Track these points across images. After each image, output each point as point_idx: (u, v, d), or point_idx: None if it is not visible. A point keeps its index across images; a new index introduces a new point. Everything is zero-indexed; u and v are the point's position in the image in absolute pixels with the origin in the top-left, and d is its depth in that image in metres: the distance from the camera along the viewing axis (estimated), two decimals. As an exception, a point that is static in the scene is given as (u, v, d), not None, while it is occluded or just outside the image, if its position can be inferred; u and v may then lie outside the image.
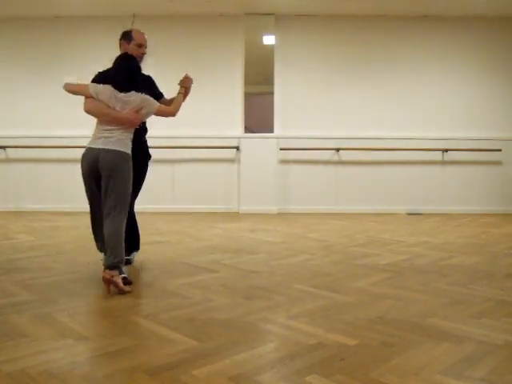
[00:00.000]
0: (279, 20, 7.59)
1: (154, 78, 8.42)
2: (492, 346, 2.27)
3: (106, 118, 3.30)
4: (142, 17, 7.74)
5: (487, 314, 2.75)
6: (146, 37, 3.74)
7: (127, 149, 3.29)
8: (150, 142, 8.45)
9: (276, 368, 2.04)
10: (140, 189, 3.82)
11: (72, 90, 3.52)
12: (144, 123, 3.77)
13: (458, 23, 7.79)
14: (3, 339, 2.32)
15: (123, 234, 3.22)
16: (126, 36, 3.70)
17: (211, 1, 7.10)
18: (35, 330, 2.45)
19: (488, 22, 7.74)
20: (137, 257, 3.96)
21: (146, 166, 3.93)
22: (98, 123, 3.37)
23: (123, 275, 3.17)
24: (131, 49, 3.64)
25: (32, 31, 7.83)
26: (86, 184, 3.33)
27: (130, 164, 3.29)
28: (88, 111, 3.37)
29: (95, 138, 3.33)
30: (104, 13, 7.62)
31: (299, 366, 2.05)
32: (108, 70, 3.54)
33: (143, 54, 3.70)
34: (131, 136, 3.34)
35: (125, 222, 3.24)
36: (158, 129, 7.70)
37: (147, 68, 8.68)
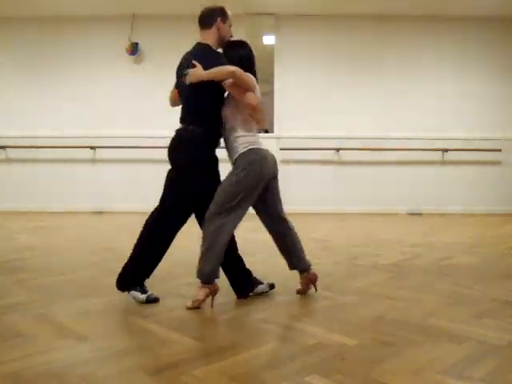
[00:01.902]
0: (279, 20, 7.59)
1: (154, 76, 8.43)
2: (492, 346, 2.27)
3: (262, 115, 2.94)
4: (142, 17, 7.74)
5: (488, 314, 2.74)
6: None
7: None
8: (150, 142, 8.48)
9: (276, 368, 2.04)
10: None
11: (243, 78, 2.79)
12: None
13: (457, 23, 7.79)
14: (2, 339, 2.32)
15: None
16: (224, 13, 3.07)
17: (211, 1, 7.09)
18: (35, 330, 2.45)
19: (488, 22, 7.74)
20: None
21: None
22: (246, 122, 2.94)
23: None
24: (226, 30, 3.04)
25: (32, 31, 7.82)
26: (258, 188, 2.94)
27: None
28: (257, 105, 2.85)
29: (257, 138, 2.97)
30: (104, 13, 7.62)
31: (299, 366, 2.05)
32: (220, 55, 2.98)
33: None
34: None
35: None
36: (158, 129, 7.73)
37: (147, 68, 8.71)
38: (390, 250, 4.62)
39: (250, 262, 4.06)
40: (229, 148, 3.02)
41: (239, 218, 2.94)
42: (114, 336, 2.38)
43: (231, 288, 3.10)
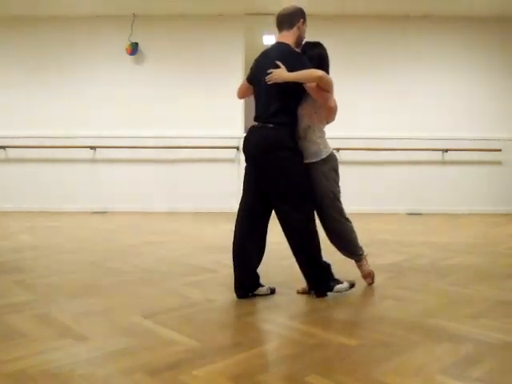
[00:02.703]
0: (279, 20, 7.58)
1: (154, 76, 8.46)
2: (492, 345, 2.27)
3: (335, 116, 3.15)
4: (142, 17, 7.74)
5: (487, 314, 2.74)
6: None
7: None
8: (150, 142, 8.47)
9: (276, 368, 2.04)
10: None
11: (328, 81, 2.94)
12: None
13: (458, 23, 7.79)
14: (3, 339, 2.32)
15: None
16: (304, 14, 3.12)
17: (211, 1, 7.09)
18: (35, 330, 2.45)
19: (488, 21, 7.73)
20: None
21: None
22: (321, 122, 3.12)
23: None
24: (304, 31, 3.13)
25: (32, 31, 7.83)
26: None
27: None
28: (335, 109, 3.10)
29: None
30: (104, 13, 7.62)
31: (299, 366, 2.05)
32: (302, 56, 3.06)
33: None
34: None
35: None
36: (158, 128, 7.73)
37: (147, 68, 8.68)
38: (389, 250, 4.62)
39: (249, 262, 4.07)
40: (304, 147, 3.09)
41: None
42: (114, 336, 2.38)
43: (234, 283, 3.07)
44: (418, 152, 7.73)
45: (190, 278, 3.54)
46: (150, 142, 7.62)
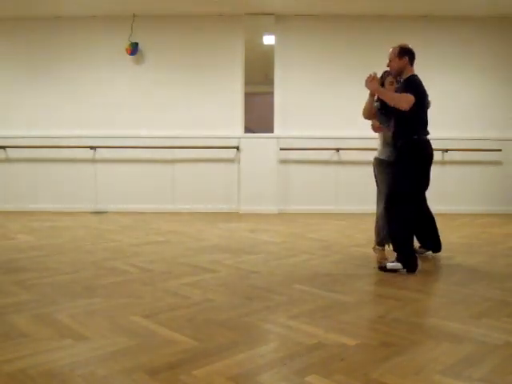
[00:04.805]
0: (279, 20, 7.58)
1: (154, 76, 8.50)
2: (492, 346, 2.27)
3: None
4: (142, 17, 7.74)
5: (487, 313, 2.75)
6: (390, 50, 4.17)
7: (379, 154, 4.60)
8: (150, 142, 8.45)
9: (276, 368, 2.04)
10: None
11: None
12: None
13: (458, 23, 7.78)
14: (3, 339, 2.32)
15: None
16: None
17: (211, 1, 7.09)
18: (35, 330, 2.45)
19: (488, 22, 7.73)
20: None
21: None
22: None
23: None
24: None
25: (32, 31, 7.82)
26: None
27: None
28: None
29: None
30: (104, 13, 7.62)
31: (299, 366, 2.05)
32: None
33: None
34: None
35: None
36: (158, 129, 7.74)
37: (147, 68, 8.67)
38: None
39: (250, 262, 4.08)
40: (389, 150, 4.39)
41: None
42: (114, 336, 2.38)
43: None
44: (418, 152, 7.72)
45: (190, 277, 3.54)
46: (150, 142, 7.62)
